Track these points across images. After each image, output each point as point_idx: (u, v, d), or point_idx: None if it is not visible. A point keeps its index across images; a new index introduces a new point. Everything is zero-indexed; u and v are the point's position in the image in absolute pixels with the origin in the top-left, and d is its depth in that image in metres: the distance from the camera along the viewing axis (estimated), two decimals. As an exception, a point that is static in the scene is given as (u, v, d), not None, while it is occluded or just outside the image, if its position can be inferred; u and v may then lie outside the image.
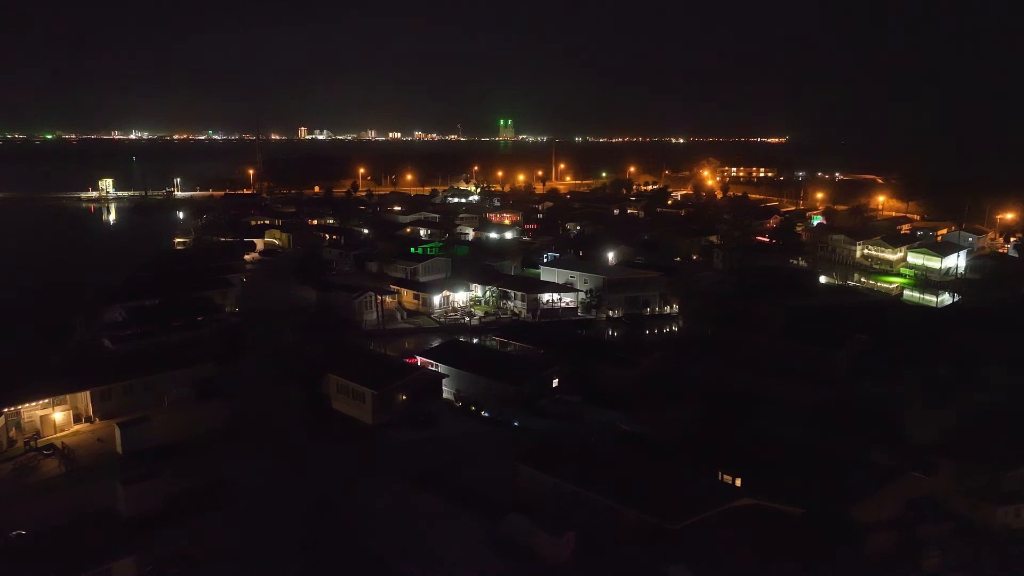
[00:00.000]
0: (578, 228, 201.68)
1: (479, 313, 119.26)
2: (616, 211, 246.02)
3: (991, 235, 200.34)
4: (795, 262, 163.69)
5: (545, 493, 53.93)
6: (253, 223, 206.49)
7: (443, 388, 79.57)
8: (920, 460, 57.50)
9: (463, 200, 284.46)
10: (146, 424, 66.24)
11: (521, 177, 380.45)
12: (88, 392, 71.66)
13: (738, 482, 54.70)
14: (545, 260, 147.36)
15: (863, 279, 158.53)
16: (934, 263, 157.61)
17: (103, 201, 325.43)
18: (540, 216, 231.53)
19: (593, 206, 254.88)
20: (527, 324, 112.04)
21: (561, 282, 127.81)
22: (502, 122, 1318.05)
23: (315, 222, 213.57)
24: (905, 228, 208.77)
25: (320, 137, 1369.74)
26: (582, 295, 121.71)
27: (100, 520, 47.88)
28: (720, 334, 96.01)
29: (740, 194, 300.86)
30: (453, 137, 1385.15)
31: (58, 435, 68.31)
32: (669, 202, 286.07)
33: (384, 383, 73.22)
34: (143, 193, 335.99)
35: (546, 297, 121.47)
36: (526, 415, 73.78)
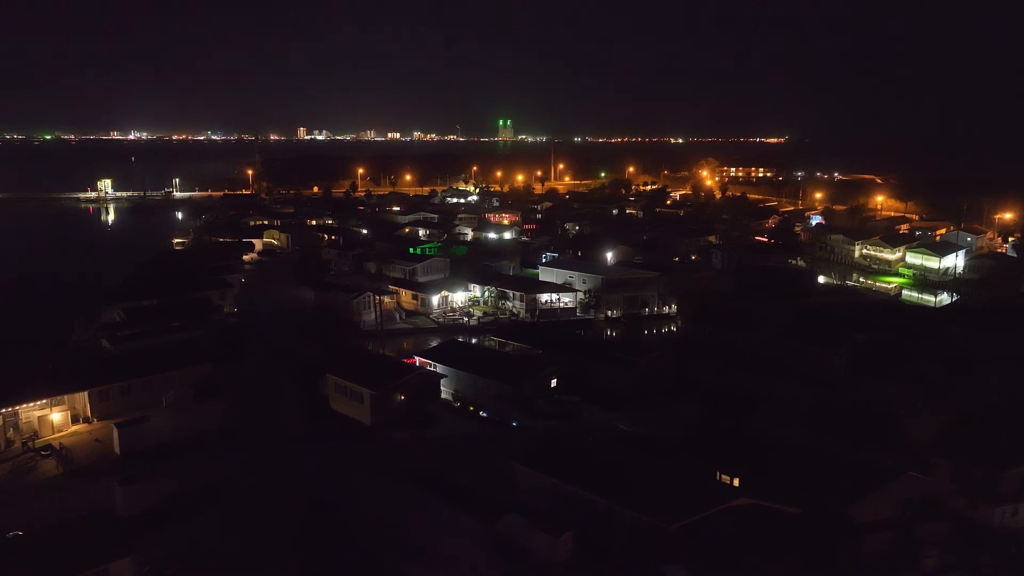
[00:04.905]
0: (577, 228, 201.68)
1: (478, 313, 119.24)
2: (615, 211, 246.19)
3: (989, 235, 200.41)
4: (794, 262, 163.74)
5: (543, 493, 53.87)
6: (252, 223, 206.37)
7: (441, 388, 79.58)
8: (918, 460, 57.54)
9: (462, 200, 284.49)
10: (144, 424, 66.14)
11: (520, 177, 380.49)
12: (86, 392, 71.63)
13: (736, 482, 54.71)
14: (544, 260, 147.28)
15: (862, 279, 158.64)
16: (933, 263, 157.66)
17: (102, 202, 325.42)
18: (539, 216, 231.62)
19: (592, 206, 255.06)
20: (525, 324, 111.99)
21: (560, 282, 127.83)
22: (501, 122, 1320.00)
23: (314, 222, 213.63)
24: (904, 228, 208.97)
25: (319, 137, 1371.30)
26: (581, 295, 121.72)
27: (98, 520, 47.71)
28: (718, 334, 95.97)
29: (739, 194, 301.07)
30: (452, 137, 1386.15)
31: (56, 436, 68.26)
32: (668, 202, 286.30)
33: (382, 383, 73.16)
34: (142, 193, 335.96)
35: (545, 297, 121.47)
36: (524, 415, 73.75)
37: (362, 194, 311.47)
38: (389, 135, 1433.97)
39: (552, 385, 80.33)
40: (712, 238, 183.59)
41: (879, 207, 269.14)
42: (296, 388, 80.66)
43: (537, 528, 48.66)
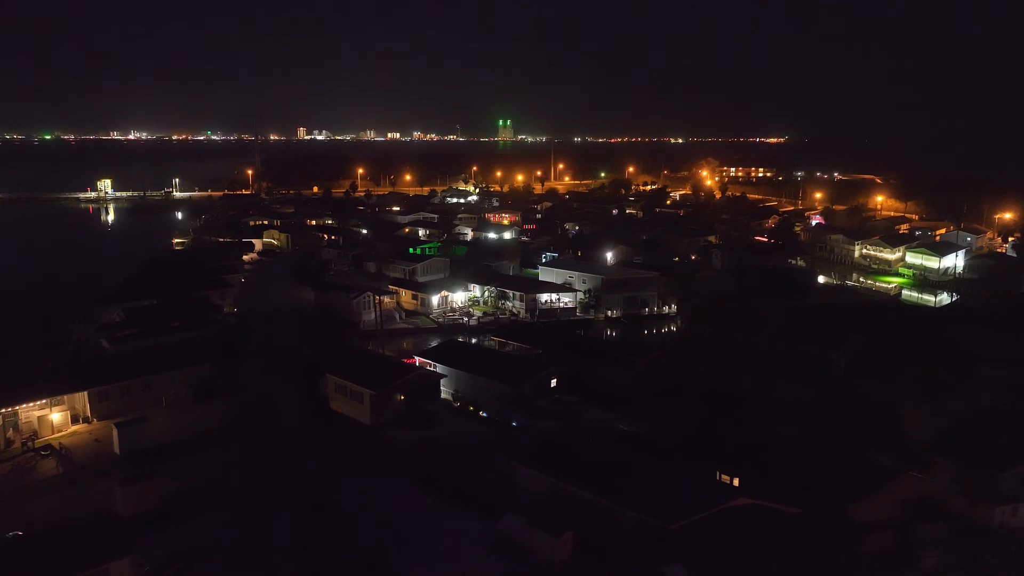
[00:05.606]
0: (576, 228, 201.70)
1: (477, 313, 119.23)
2: (615, 211, 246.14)
3: (989, 235, 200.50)
4: (793, 262, 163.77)
5: (543, 493, 53.87)
6: (251, 223, 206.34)
7: (441, 388, 79.58)
8: (918, 460, 57.53)
9: (462, 200, 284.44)
10: (144, 424, 66.14)
11: (520, 177, 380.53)
12: (86, 392, 71.59)
13: (736, 482, 54.69)
14: (544, 260, 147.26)
15: (861, 279, 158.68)
16: (932, 263, 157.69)
17: (102, 202, 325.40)
18: (539, 216, 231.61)
19: (592, 206, 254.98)
20: (525, 324, 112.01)
21: (559, 282, 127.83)
22: (501, 122, 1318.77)
23: (313, 222, 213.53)
24: (903, 228, 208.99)
25: (319, 137, 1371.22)
26: (580, 295, 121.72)
27: (97, 520, 47.74)
28: (718, 334, 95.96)
29: (739, 194, 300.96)
30: (452, 137, 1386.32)
31: (56, 435, 68.25)
32: (668, 202, 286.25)
33: (382, 383, 73.18)
34: (142, 193, 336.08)
35: (544, 297, 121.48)
36: (524, 415, 73.76)
37: (362, 194, 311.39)
38: (389, 135, 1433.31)
39: (552, 385, 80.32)
40: (712, 238, 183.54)
41: (879, 207, 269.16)
42: (296, 388, 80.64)
43: (537, 528, 48.64)
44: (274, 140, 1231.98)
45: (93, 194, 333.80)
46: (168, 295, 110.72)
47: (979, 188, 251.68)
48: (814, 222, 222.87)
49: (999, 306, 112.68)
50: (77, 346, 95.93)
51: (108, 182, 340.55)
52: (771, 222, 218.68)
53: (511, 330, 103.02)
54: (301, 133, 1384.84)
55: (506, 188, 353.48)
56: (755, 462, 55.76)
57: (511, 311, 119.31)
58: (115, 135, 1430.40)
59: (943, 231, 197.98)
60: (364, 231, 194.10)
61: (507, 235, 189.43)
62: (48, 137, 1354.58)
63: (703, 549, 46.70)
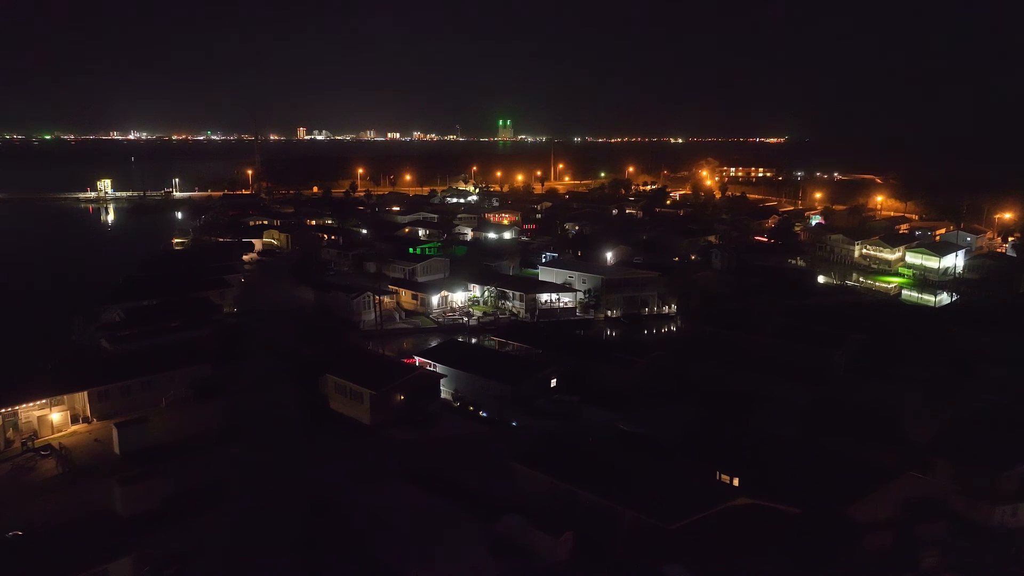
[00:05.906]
0: (576, 228, 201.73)
1: (477, 313, 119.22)
2: (614, 211, 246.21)
3: (989, 235, 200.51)
4: (793, 262, 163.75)
5: (542, 493, 53.88)
6: (251, 223, 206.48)
7: (441, 388, 79.56)
8: (918, 460, 57.54)
9: (462, 200, 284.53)
10: (144, 424, 66.17)
11: (520, 177, 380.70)
12: (86, 392, 71.65)
13: (736, 482, 54.72)
14: (543, 260, 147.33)
15: (861, 279, 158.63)
16: (932, 263, 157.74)
17: (102, 202, 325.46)
18: (539, 216, 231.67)
19: (591, 206, 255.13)
20: (525, 324, 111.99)
21: (559, 282, 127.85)
22: (501, 122, 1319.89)
23: (313, 222, 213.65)
24: (903, 228, 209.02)
25: (319, 137, 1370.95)
26: (580, 295, 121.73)
27: (97, 521, 47.76)
28: (718, 334, 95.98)
29: (738, 194, 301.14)
30: (452, 137, 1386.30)
31: (55, 435, 68.29)
32: (668, 202, 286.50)
33: (382, 383, 73.18)
34: (142, 193, 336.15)
35: (544, 297, 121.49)
36: (524, 415, 73.75)
37: (362, 194, 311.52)
38: (389, 135, 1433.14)
39: (552, 385, 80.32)
40: (712, 238, 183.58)
41: (879, 207, 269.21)
42: (296, 388, 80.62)
43: (537, 528, 48.66)
44: (274, 140, 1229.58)
45: (93, 194, 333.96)
46: (168, 295, 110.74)
47: (979, 188, 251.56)
48: (814, 222, 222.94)
49: (999, 306, 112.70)
50: (77, 346, 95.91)
51: (108, 182, 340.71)
52: (771, 222, 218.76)
53: (511, 330, 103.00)
54: (301, 133, 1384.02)
55: (506, 188, 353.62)
56: (755, 462, 55.78)
57: (511, 311, 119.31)
58: (115, 135, 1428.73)
59: (943, 231, 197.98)
60: (364, 231, 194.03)
61: (507, 235, 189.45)
62: (48, 137, 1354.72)
63: (703, 549, 46.72)
